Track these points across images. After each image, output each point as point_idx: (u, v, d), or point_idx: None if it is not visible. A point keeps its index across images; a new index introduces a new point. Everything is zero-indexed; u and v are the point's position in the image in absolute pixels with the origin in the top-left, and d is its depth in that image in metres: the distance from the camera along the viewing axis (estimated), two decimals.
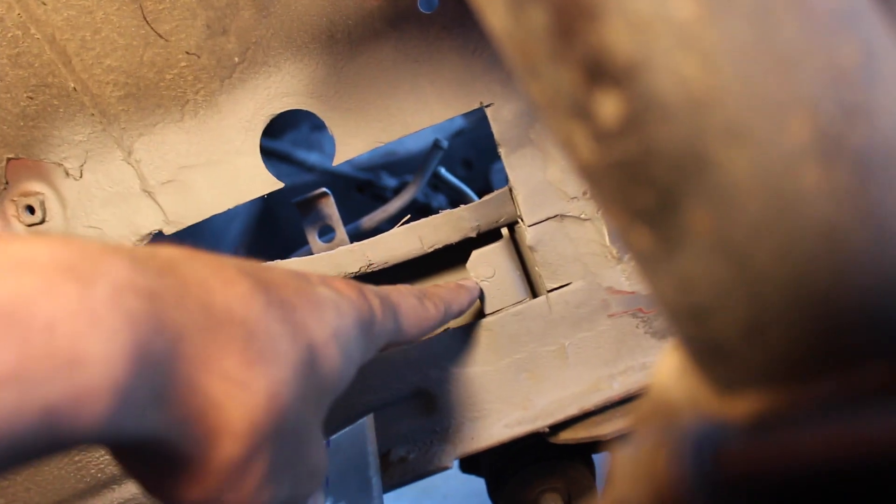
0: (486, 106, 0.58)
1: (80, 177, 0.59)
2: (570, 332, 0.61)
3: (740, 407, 0.24)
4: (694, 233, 0.22)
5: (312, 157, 0.99)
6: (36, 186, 0.59)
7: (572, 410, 0.61)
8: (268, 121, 0.58)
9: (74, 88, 0.55)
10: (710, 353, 0.24)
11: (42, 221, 0.60)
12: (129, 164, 0.58)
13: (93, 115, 0.57)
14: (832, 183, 0.21)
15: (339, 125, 0.58)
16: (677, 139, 0.21)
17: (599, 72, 0.22)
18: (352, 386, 0.61)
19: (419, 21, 0.57)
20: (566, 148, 0.25)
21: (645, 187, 0.22)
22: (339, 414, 0.62)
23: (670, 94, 0.21)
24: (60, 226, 0.59)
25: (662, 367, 0.28)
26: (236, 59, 0.56)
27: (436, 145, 0.77)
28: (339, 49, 0.57)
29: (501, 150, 0.59)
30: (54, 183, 0.59)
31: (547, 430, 0.62)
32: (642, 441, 0.23)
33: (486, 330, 0.61)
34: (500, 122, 0.58)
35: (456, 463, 1.00)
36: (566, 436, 0.63)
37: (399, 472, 0.61)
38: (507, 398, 0.62)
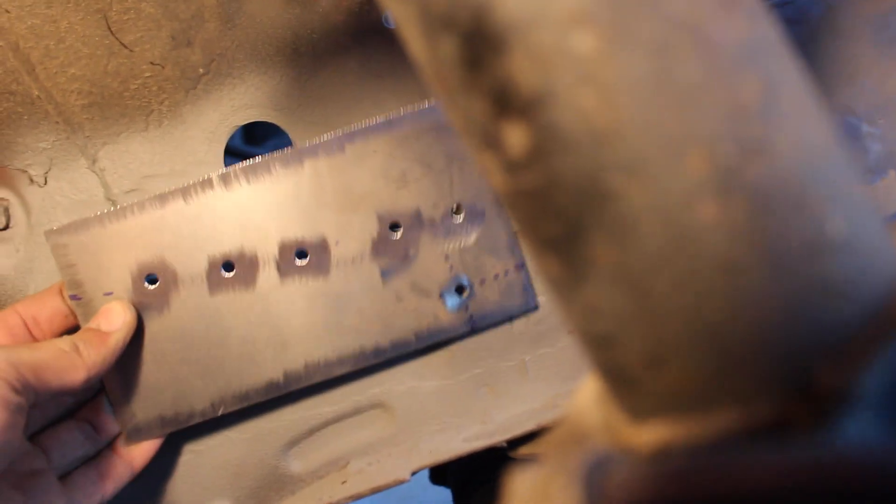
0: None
1: (45, 184, 0.59)
2: (530, 348, 0.62)
3: (645, 436, 0.24)
4: (597, 264, 0.22)
5: None
6: (0, 192, 0.59)
7: (530, 426, 0.61)
8: (232, 132, 0.58)
9: (38, 96, 0.56)
10: (617, 381, 0.24)
11: (6, 227, 0.60)
12: (93, 172, 0.59)
13: (57, 123, 0.57)
14: (729, 218, 0.21)
15: (302, 138, 0.59)
16: (579, 172, 0.22)
17: (506, 103, 0.22)
18: (310, 399, 0.62)
19: (384, 37, 0.57)
20: (483, 174, 0.25)
21: (551, 218, 0.23)
22: (300, 427, 0.62)
23: (572, 128, 0.21)
24: (24, 232, 0.60)
25: (582, 392, 0.28)
26: (201, 71, 0.56)
27: None
28: (303, 62, 0.57)
29: None
30: (18, 189, 0.59)
31: (505, 444, 0.62)
32: (543, 465, 0.23)
33: (447, 344, 0.61)
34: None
35: (427, 474, 1.00)
36: (525, 451, 0.64)
37: (358, 483, 0.61)
38: (467, 412, 0.62)
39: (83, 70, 0.55)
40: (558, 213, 0.23)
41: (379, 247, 0.58)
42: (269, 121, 0.58)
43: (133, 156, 0.58)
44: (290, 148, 0.57)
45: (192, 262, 0.57)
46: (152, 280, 0.58)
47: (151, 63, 0.56)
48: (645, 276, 0.22)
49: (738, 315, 0.21)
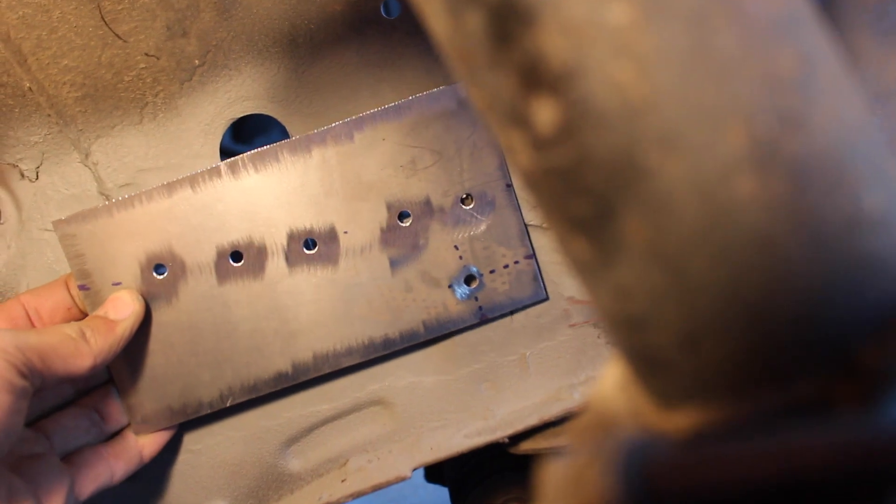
0: None
1: (36, 179, 0.58)
2: (531, 343, 0.61)
3: (677, 421, 0.23)
4: (629, 242, 0.22)
5: None
6: None
7: (532, 421, 0.61)
8: (228, 125, 0.57)
9: (30, 88, 0.54)
10: (648, 364, 0.24)
11: None
12: (86, 166, 0.57)
13: (49, 115, 0.56)
14: (767, 192, 0.21)
15: (300, 130, 0.58)
16: (612, 147, 0.21)
17: (536, 78, 0.21)
18: (309, 396, 0.61)
19: (382, 26, 0.56)
20: (507, 154, 0.24)
21: (581, 196, 0.22)
22: (299, 425, 0.61)
23: (605, 101, 0.21)
24: (15, 228, 0.58)
25: (605, 379, 0.27)
26: (196, 62, 0.55)
27: None
28: (300, 53, 0.56)
29: None
30: (9, 184, 0.58)
31: (507, 440, 0.61)
32: (576, 454, 0.22)
33: (447, 339, 0.61)
34: None
35: (422, 472, 0.99)
36: (526, 446, 0.63)
37: (358, 481, 0.61)
38: (468, 408, 0.62)
39: (76, 61, 0.54)
40: (588, 190, 0.22)
41: (388, 236, 0.58)
42: (266, 113, 0.57)
43: (127, 149, 0.57)
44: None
45: (200, 251, 0.57)
46: (160, 270, 0.57)
47: (146, 54, 0.55)
48: (680, 253, 0.21)
49: (777, 292, 0.21)
